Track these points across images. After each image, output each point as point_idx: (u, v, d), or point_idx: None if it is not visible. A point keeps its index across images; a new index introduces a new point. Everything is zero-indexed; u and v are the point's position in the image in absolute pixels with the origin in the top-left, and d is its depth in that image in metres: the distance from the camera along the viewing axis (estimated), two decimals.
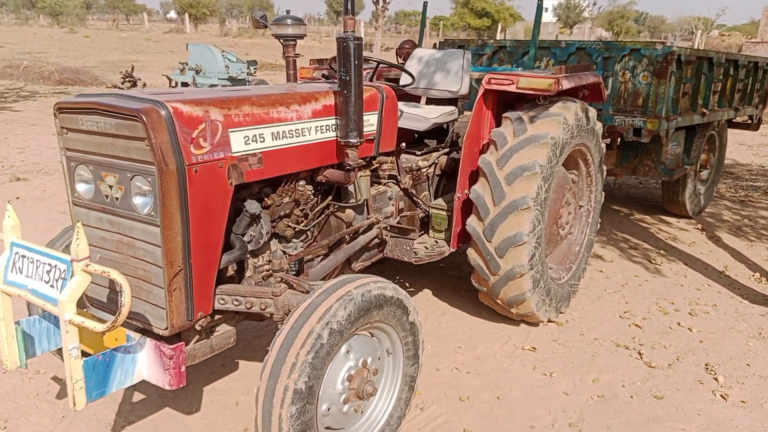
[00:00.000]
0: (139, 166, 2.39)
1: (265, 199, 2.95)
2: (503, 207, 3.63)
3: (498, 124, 3.98)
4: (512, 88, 3.77)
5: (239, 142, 2.62)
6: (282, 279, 2.75)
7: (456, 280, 4.92)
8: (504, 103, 4.08)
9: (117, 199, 2.51)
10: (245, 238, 2.88)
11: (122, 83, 17.80)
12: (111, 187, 2.52)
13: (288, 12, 3.51)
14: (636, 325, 4.28)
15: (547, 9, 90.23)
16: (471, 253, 3.85)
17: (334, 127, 3.12)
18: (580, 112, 4.03)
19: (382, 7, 35.84)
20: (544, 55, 5.95)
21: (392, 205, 3.91)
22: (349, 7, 2.95)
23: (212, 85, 14.46)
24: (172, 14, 73.75)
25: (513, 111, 3.92)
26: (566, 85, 3.77)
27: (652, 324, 4.33)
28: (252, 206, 2.77)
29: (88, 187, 2.62)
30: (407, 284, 4.82)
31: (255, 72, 15.49)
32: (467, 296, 4.56)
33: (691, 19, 60.18)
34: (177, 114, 2.36)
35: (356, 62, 2.92)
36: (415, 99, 5.14)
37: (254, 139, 2.69)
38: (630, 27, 65.31)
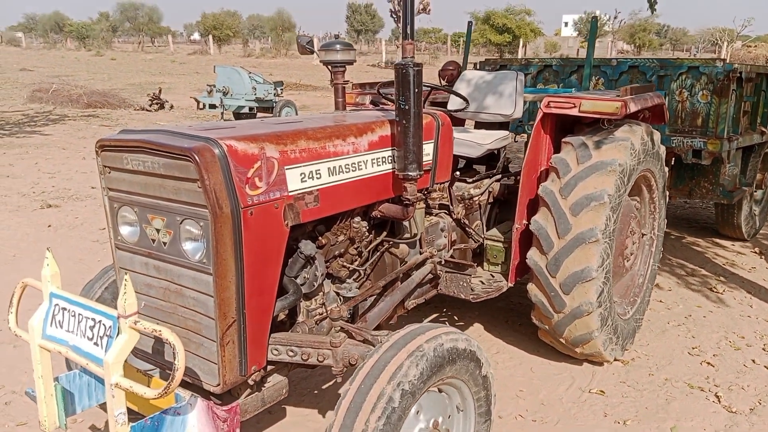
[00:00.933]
0: (190, 209, 2.18)
1: (320, 238, 2.73)
2: (569, 240, 3.36)
3: (557, 150, 3.73)
4: (574, 112, 3.52)
5: (295, 180, 2.40)
6: (341, 327, 2.51)
7: (508, 312, 4.65)
8: (561, 127, 3.83)
9: (165, 243, 2.31)
10: (298, 281, 2.66)
11: (150, 105, 17.94)
12: (158, 230, 2.32)
13: (337, 36, 3.32)
14: (708, 363, 3.96)
15: (567, 23, 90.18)
16: (532, 288, 3.59)
17: (390, 159, 2.89)
18: (646, 135, 3.76)
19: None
20: (593, 74, 5.69)
21: (445, 237, 3.66)
22: (408, 32, 2.73)
23: (240, 107, 14.44)
24: (196, 36, 74.88)
25: (573, 135, 3.67)
26: (633, 107, 3.52)
27: (725, 361, 4.01)
28: (307, 247, 2.54)
29: (132, 230, 2.42)
30: (456, 317, 4.56)
31: (282, 93, 15.44)
32: (522, 331, 4.29)
33: (714, 30, 59.46)
34: (231, 152, 2.15)
35: (416, 90, 2.70)
36: (460, 122, 4.92)
37: (311, 176, 2.47)
38: (652, 40, 64.70)
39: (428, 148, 3.17)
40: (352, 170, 2.69)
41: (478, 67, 6.22)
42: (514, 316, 4.55)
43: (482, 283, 3.72)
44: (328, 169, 2.56)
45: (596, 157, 3.43)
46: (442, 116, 3.29)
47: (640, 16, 61.65)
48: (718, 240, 6.64)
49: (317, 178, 2.50)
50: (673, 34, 78.83)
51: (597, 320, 3.45)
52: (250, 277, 2.24)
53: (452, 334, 2.31)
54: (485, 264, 3.88)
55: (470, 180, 3.98)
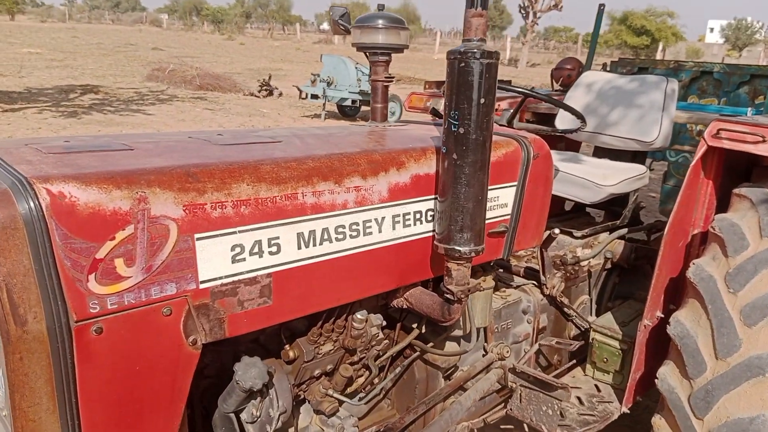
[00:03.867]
0: None
1: (286, 347, 1.59)
2: (734, 365, 2.00)
3: (722, 206, 2.35)
4: (764, 151, 2.12)
5: (219, 259, 1.27)
6: None
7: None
8: (729, 168, 2.44)
9: None
10: (245, 417, 1.53)
11: (258, 91, 17.68)
12: None
13: (381, 8, 2.14)
14: None
15: (712, 29, 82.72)
16: (660, 425, 2.24)
17: (429, 216, 1.69)
18: None
19: (533, 21, 33.75)
20: (754, 87, 4.14)
21: (528, 323, 2.41)
22: None
23: (342, 99, 13.65)
24: (325, 26, 76.10)
25: (751, 185, 2.27)
26: None
27: None
28: (247, 375, 1.40)
29: None
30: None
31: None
32: None
33: None
34: (59, 208, 1.06)
35: (482, 99, 1.47)
36: (574, 145, 3.58)
37: (256, 250, 1.33)
38: None
39: (505, 196, 1.92)
40: (351, 236, 1.51)
41: (607, 69, 4.79)
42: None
43: (580, 402, 2.41)
44: (299, 235, 1.40)
45: None
46: (535, 142, 2.03)
47: None
48: None
49: (272, 252, 1.35)
50: None
51: None
52: None
53: None
54: (588, 367, 2.57)
55: (578, 234, 2.68)
